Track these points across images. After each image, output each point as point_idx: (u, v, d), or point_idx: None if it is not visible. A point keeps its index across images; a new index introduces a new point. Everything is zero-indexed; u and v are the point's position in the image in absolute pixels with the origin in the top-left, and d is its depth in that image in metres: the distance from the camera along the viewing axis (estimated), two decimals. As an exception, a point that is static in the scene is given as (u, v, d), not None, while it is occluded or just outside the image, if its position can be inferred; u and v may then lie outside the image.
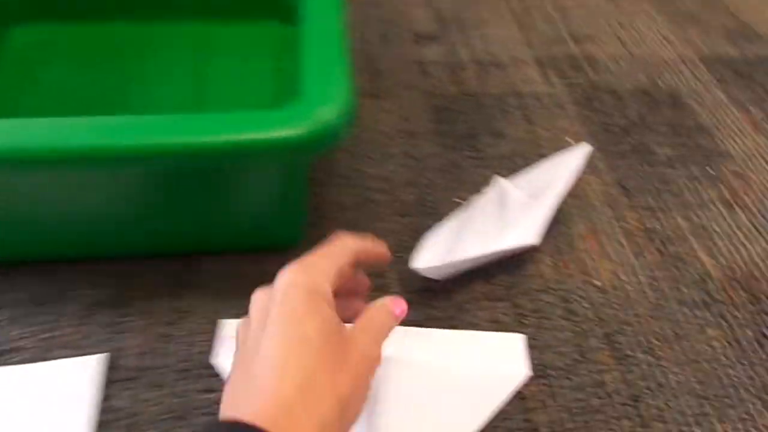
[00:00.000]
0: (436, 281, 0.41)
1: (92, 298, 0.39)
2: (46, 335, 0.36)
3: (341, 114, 0.31)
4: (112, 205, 0.38)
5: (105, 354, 0.36)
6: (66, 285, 0.39)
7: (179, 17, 0.54)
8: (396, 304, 0.30)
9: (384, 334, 0.29)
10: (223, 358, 0.36)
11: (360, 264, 0.31)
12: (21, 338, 0.36)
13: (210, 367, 0.36)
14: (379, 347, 0.28)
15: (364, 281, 0.34)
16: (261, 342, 0.25)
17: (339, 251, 0.30)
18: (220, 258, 0.41)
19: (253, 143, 0.30)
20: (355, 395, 0.25)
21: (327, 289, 0.27)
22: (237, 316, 0.38)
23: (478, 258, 0.40)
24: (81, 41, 0.53)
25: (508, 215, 0.43)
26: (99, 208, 0.38)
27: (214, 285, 0.40)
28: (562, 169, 0.45)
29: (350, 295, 0.32)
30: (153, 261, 0.41)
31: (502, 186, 0.46)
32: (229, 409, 0.24)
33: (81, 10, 0.54)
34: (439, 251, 0.41)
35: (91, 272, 0.40)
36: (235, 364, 0.26)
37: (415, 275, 0.41)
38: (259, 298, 0.28)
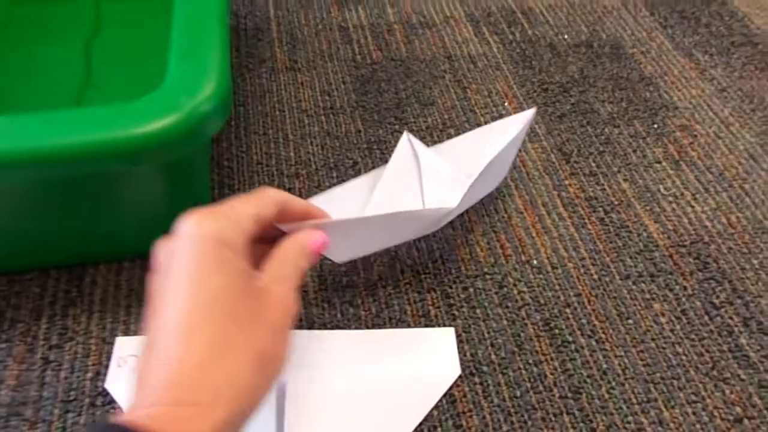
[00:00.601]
0: (357, 274, 0.37)
1: (-38, 329, 0.34)
2: None
3: (208, 101, 0.26)
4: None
5: (-21, 393, 0.31)
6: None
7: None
8: (310, 239, 0.28)
9: (298, 277, 0.27)
10: (121, 382, 0.32)
11: (287, 218, 0.29)
12: None
13: (104, 394, 0.32)
14: (294, 292, 0.26)
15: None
16: (165, 304, 0.23)
17: (257, 200, 0.27)
18: (111, 268, 0.37)
19: (103, 144, 0.25)
20: (275, 348, 0.24)
21: (236, 237, 0.24)
22: (137, 332, 0.34)
23: (385, 230, 0.35)
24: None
25: (419, 180, 0.39)
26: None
27: (104, 299, 0.35)
28: (497, 136, 0.40)
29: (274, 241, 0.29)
30: (32, 276, 0.36)
31: (412, 146, 0.42)
32: (137, 388, 0.22)
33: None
34: (338, 229, 0.33)
35: (-39, 298, 0.35)
36: (146, 330, 0.24)
37: (334, 268, 0.37)
38: (163, 250, 0.25)
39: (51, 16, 0.48)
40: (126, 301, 0.35)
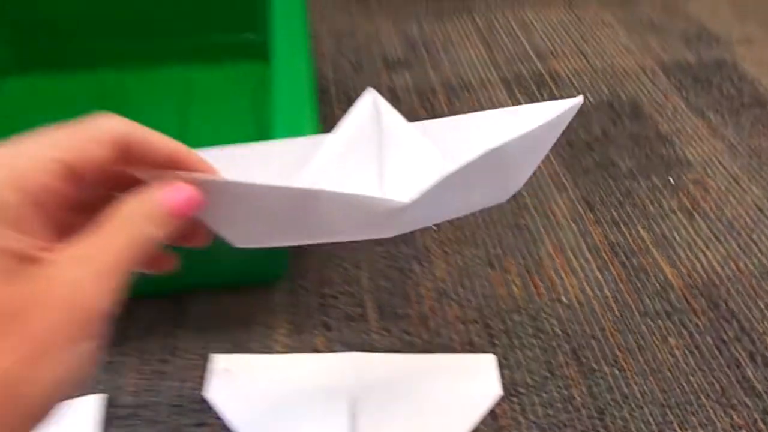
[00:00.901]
0: (411, 307, 0.43)
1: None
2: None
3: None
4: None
5: (103, 395, 0.38)
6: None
7: (162, 63, 0.56)
8: (166, 193, 0.20)
9: (132, 253, 0.19)
10: (215, 392, 0.38)
11: (146, 162, 0.21)
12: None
13: (202, 401, 0.38)
14: (108, 279, 0.18)
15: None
16: None
17: (74, 135, 0.19)
18: (208, 296, 0.44)
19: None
20: (26, 373, 0.16)
21: (6, 196, 0.17)
22: (227, 350, 0.40)
23: (305, 213, 0.24)
24: (71, 89, 0.56)
25: (379, 154, 0.29)
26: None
27: (203, 322, 0.42)
28: (518, 121, 0.28)
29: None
30: (145, 302, 0.43)
31: (377, 108, 0.30)
32: None
33: (70, 60, 0.56)
34: (227, 192, 0.23)
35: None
36: None
37: (391, 301, 0.43)
38: None
39: (149, 81, 0.56)
40: (220, 324, 0.42)
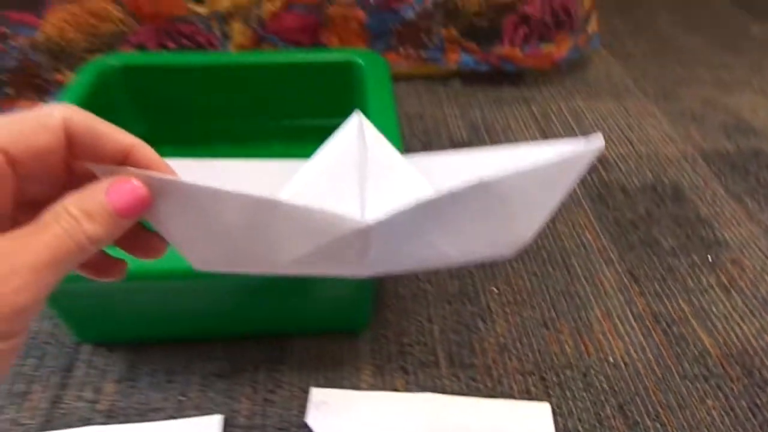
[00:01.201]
0: (476, 357, 0.50)
1: (210, 370, 0.49)
2: (180, 398, 0.47)
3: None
4: (223, 301, 0.49)
5: (222, 416, 0.46)
6: (190, 359, 0.50)
7: (267, 141, 0.68)
8: (110, 187, 0.19)
9: (64, 252, 0.18)
10: (315, 419, 0.46)
11: (98, 155, 0.20)
12: (160, 401, 0.47)
13: (304, 426, 0.46)
14: (29, 279, 0.17)
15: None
16: None
17: (18, 122, 0.19)
18: (307, 339, 0.52)
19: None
20: None
21: None
22: (323, 385, 0.48)
23: (267, 230, 0.23)
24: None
25: (360, 174, 0.26)
26: (214, 302, 0.49)
27: (302, 361, 0.50)
28: (527, 156, 0.25)
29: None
30: (254, 341, 0.51)
31: (362, 131, 0.28)
32: None
33: (192, 137, 0.68)
34: (181, 194, 0.22)
35: (208, 349, 0.51)
36: None
37: (459, 352, 0.51)
38: None
39: (254, 155, 0.67)
40: (317, 363, 0.50)
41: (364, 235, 0.22)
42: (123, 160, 0.21)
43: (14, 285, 0.17)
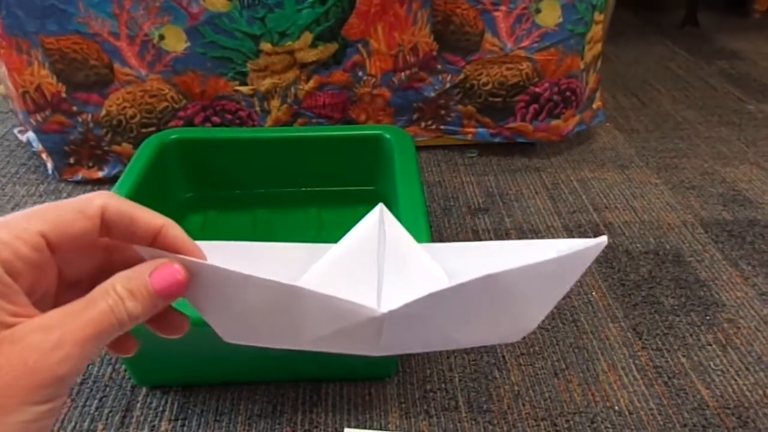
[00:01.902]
0: (493, 403, 0.56)
1: (254, 411, 0.55)
2: (227, 439, 0.53)
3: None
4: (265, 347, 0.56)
5: (264, 454, 0.52)
6: (236, 401, 0.56)
7: (303, 207, 0.76)
8: (154, 271, 0.21)
9: (106, 325, 0.20)
10: (346, 459, 0.51)
11: (124, 231, 0.22)
12: (209, 441, 0.53)
13: (335, 465, 0.51)
14: (71, 346, 0.19)
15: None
16: None
17: (62, 209, 0.21)
18: (337, 385, 0.58)
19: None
20: None
21: None
22: (356, 426, 0.54)
23: (291, 313, 0.26)
24: (233, 224, 0.75)
25: (379, 264, 0.28)
26: (257, 349, 0.56)
27: (336, 404, 0.56)
28: (533, 252, 0.27)
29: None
30: (293, 385, 0.57)
31: (383, 220, 0.30)
32: None
33: (234, 203, 0.76)
34: (216, 278, 0.25)
35: (251, 392, 0.57)
36: None
37: (477, 398, 0.56)
38: None
39: (292, 219, 0.75)
40: (348, 406, 0.56)
41: (379, 323, 0.25)
42: (154, 240, 0.23)
43: (58, 356, 0.19)
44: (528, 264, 0.25)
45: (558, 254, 0.26)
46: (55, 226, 0.20)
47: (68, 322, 0.19)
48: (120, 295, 0.21)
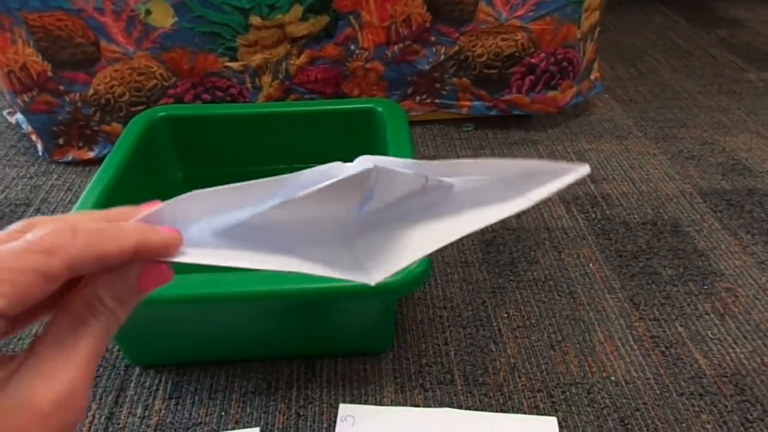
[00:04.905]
0: (489, 376, 0.55)
1: (248, 388, 0.55)
2: (221, 413, 0.53)
3: (424, 271, 0.48)
4: (258, 324, 0.55)
5: (258, 429, 0.51)
6: (230, 379, 0.56)
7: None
8: (147, 278, 0.20)
9: (102, 349, 0.19)
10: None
11: (140, 257, 0.21)
12: (204, 416, 0.53)
13: (331, 440, 0.51)
14: (80, 396, 0.18)
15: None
16: None
17: (26, 267, 0.18)
18: (332, 361, 0.57)
19: (358, 290, 0.47)
20: None
21: None
22: (351, 401, 0.53)
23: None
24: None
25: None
26: (251, 325, 0.55)
27: (330, 380, 0.56)
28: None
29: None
30: (288, 362, 0.57)
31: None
32: None
33: (226, 182, 0.75)
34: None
35: (245, 369, 0.57)
36: None
37: (473, 371, 0.56)
38: None
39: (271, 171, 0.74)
40: (343, 382, 0.55)
41: (365, 180, 0.25)
42: (132, 259, 0.21)
43: (69, 403, 0.18)
44: (502, 160, 0.28)
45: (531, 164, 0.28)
46: (10, 301, 0.17)
47: (65, 359, 0.18)
48: (110, 308, 0.19)
